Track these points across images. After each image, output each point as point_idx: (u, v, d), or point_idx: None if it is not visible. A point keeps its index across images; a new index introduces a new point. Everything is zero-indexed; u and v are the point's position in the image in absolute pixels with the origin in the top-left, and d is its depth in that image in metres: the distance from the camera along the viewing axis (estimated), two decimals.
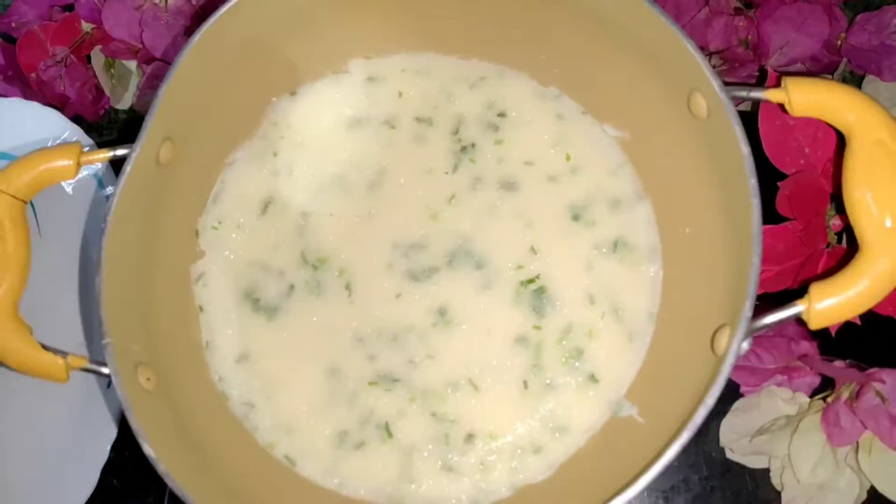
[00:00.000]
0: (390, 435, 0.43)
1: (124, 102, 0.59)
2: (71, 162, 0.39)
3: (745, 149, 0.36)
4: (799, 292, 0.37)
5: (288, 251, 0.46)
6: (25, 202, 0.39)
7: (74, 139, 0.51)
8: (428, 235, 0.46)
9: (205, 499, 0.36)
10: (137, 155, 0.39)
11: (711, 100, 0.38)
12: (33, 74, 0.56)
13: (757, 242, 0.36)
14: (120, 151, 0.40)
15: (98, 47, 0.57)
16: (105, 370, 0.38)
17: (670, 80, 0.41)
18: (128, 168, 0.39)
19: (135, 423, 0.37)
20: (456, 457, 0.43)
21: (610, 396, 0.43)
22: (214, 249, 0.47)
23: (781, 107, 0.38)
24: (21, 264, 0.38)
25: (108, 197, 0.53)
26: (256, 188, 0.47)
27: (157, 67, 0.56)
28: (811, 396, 0.45)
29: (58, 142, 0.51)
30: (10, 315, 0.38)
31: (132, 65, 0.58)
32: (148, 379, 0.39)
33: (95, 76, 0.58)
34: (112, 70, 0.59)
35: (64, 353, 0.38)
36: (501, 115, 0.47)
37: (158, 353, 0.41)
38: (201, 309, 0.46)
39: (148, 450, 0.36)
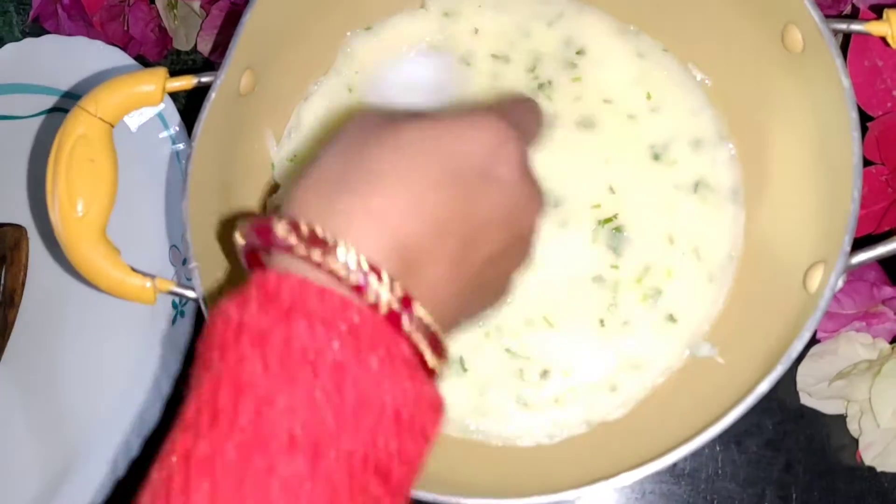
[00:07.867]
0: (465, 369, 0.43)
1: (187, 43, 0.59)
2: (157, 87, 0.39)
3: (846, 81, 0.36)
4: (883, 237, 0.36)
5: None
6: (113, 125, 0.39)
7: None
8: None
9: None
10: (222, 81, 0.39)
11: (809, 32, 0.37)
12: (97, 13, 0.56)
13: (857, 176, 0.35)
14: (205, 78, 0.40)
15: None
16: (190, 293, 0.38)
17: (761, 13, 0.40)
18: (212, 95, 0.39)
19: None
20: (531, 392, 0.43)
21: (688, 336, 0.43)
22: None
23: (883, 40, 0.37)
24: (109, 187, 0.38)
25: (172, 137, 0.53)
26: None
27: (220, 7, 0.56)
28: (891, 343, 0.44)
29: None
30: (100, 236, 0.38)
31: (195, 5, 0.58)
32: None
33: (159, 16, 0.58)
34: (175, 11, 0.58)
35: (152, 276, 0.38)
36: (580, 52, 0.46)
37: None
38: None
39: None
